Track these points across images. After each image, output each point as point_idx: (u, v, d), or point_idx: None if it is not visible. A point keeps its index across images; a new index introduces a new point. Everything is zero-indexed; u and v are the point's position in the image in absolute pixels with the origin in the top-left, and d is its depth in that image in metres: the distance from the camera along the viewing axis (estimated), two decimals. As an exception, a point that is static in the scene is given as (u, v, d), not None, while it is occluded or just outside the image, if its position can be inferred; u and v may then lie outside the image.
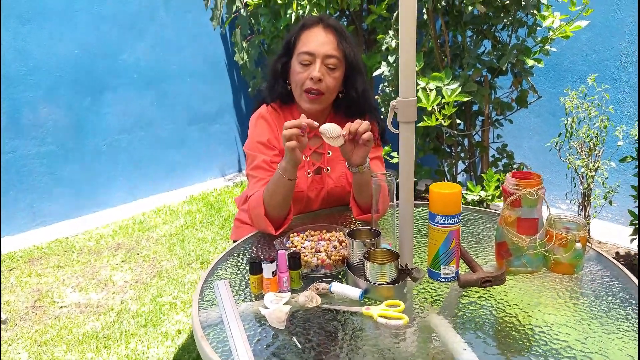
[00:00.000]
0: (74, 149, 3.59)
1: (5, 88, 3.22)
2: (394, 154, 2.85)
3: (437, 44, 2.54)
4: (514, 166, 2.78)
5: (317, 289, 1.11)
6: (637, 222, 2.11)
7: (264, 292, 1.13)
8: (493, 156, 2.83)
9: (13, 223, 3.38)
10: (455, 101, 2.26)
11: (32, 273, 2.91)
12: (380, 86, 2.73)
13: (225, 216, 3.61)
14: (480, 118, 2.79)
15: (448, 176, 2.96)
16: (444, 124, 2.30)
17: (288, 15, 2.94)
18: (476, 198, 2.52)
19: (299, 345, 0.94)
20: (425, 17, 2.55)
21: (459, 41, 2.67)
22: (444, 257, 1.11)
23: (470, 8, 2.27)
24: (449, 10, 2.56)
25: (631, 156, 2.11)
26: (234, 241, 1.73)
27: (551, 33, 2.33)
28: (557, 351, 0.89)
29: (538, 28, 2.42)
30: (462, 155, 2.86)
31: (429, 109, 2.24)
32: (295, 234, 1.34)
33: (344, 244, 1.26)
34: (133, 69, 3.80)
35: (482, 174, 2.72)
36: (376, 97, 2.73)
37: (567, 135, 2.46)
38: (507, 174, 1.13)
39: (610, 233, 2.96)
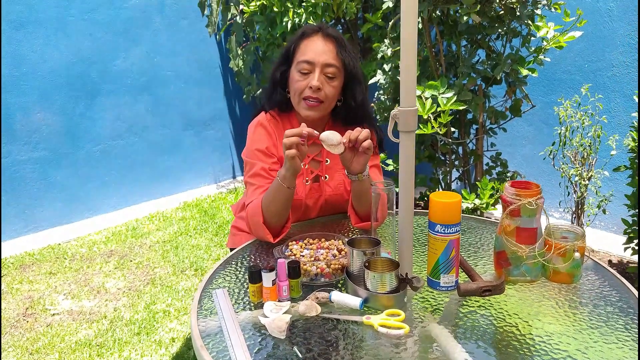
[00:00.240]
0: (66, 155, 3.57)
1: (-2, 93, 3.20)
2: (389, 161, 2.86)
3: (432, 53, 2.56)
4: (508, 174, 2.80)
5: (317, 297, 1.11)
6: (630, 230, 2.13)
7: (264, 300, 1.12)
8: (487, 164, 2.85)
9: (4, 229, 3.34)
10: (450, 109, 2.28)
11: (23, 280, 2.88)
12: (376, 94, 2.74)
13: (220, 223, 3.59)
14: (474, 126, 2.81)
15: (442, 184, 2.97)
16: (440, 132, 2.31)
17: (284, 23, 2.95)
18: (471, 206, 2.53)
19: (300, 355, 0.94)
20: (420, 26, 2.57)
21: (453, 50, 2.69)
22: (443, 266, 1.11)
23: (465, 18, 2.29)
24: (444, 20, 2.59)
25: (625, 165, 2.13)
26: (231, 249, 1.73)
27: (545, 43, 2.36)
28: (558, 361, 0.89)
29: (532, 38, 2.44)
30: (457, 163, 2.88)
31: (425, 117, 2.25)
32: (294, 242, 1.33)
33: (343, 252, 1.26)
34: (127, 74, 3.78)
35: (476, 182, 2.74)
36: (372, 104, 2.74)
37: (561, 144, 2.48)
38: (506, 184, 1.14)
39: (602, 241, 2.99)
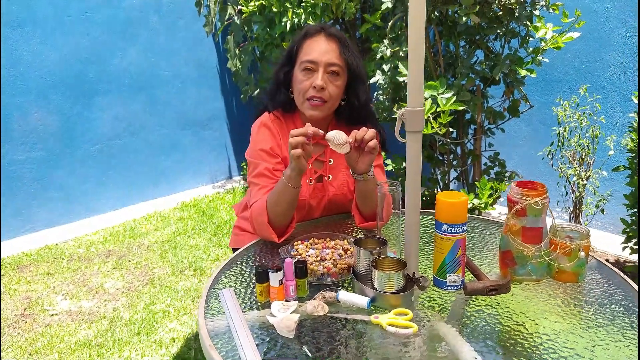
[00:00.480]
0: (64, 155, 3.55)
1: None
2: (387, 161, 2.86)
3: (430, 54, 2.57)
4: (506, 174, 2.82)
5: (324, 297, 1.11)
6: (629, 230, 2.14)
7: (271, 300, 1.13)
8: (485, 164, 2.86)
9: (1, 229, 3.32)
10: (449, 110, 2.29)
11: (21, 280, 2.87)
12: (375, 94, 2.75)
13: (218, 223, 3.59)
14: (472, 127, 2.82)
15: (441, 184, 2.99)
16: (440, 133, 2.32)
17: (283, 23, 2.95)
18: (469, 206, 2.54)
19: (310, 355, 0.94)
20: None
21: (452, 51, 2.71)
22: (450, 265, 1.12)
23: (464, 19, 2.31)
24: (443, 21, 2.60)
25: (624, 166, 2.15)
26: (233, 249, 1.73)
27: (543, 44, 2.37)
28: (566, 359, 0.90)
29: (530, 39, 2.46)
30: (455, 163, 2.89)
31: (425, 117, 2.26)
32: (299, 242, 1.34)
33: (348, 252, 1.27)
34: (124, 74, 3.77)
35: (474, 182, 2.75)
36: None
37: (560, 144, 2.50)
38: (512, 184, 1.15)
39: (599, 241, 3.01)
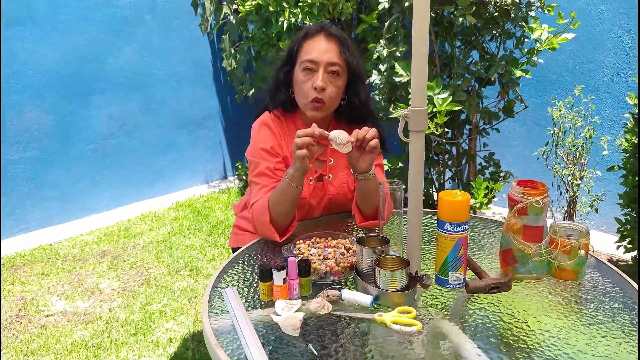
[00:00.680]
0: (58, 154, 3.53)
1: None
2: (384, 161, 2.87)
3: (427, 54, 2.58)
4: (501, 174, 2.84)
5: (328, 296, 1.12)
6: (623, 229, 2.17)
7: (274, 299, 1.13)
8: (480, 164, 2.88)
9: (1, 229, 3.30)
10: (446, 110, 2.30)
11: (15, 281, 2.85)
12: (371, 94, 2.75)
13: (213, 223, 3.58)
14: (467, 127, 2.84)
15: (436, 184, 3.00)
16: (437, 133, 2.33)
17: (280, 23, 2.95)
18: (465, 205, 2.56)
19: (315, 352, 0.95)
20: (415, 27, 2.58)
21: (447, 51, 2.72)
22: (452, 264, 1.13)
23: (460, 19, 2.32)
24: (439, 21, 2.61)
25: (618, 165, 2.18)
26: (233, 249, 1.73)
27: (538, 45, 2.39)
28: (569, 355, 0.91)
29: (526, 40, 2.48)
30: (450, 163, 2.91)
31: (422, 117, 2.27)
32: (301, 241, 1.34)
33: (350, 251, 1.27)
34: (119, 73, 3.75)
35: (469, 182, 2.77)
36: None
37: (554, 144, 2.52)
38: (513, 183, 1.16)
39: (593, 240, 3.03)
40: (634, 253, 2.25)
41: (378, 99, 2.73)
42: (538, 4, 2.43)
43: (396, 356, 0.94)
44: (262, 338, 0.99)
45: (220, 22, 3.67)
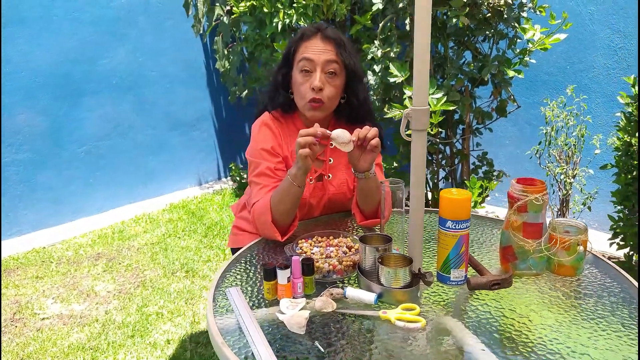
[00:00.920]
0: (50, 156, 3.51)
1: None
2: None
3: (422, 54, 2.60)
4: (494, 173, 2.87)
5: (332, 294, 1.13)
6: (616, 226, 2.20)
7: (279, 298, 1.14)
8: (473, 164, 2.91)
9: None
10: (440, 110, 2.32)
11: (9, 284, 2.82)
12: (366, 95, 2.77)
13: (208, 224, 3.58)
14: (461, 127, 2.87)
15: (430, 183, 3.03)
16: (431, 132, 2.35)
17: (274, 24, 2.96)
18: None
19: (323, 350, 0.96)
20: (408, 27, 2.61)
21: (441, 52, 2.75)
22: (454, 261, 1.14)
23: (454, 20, 2.34)
24: (432, 22, 2.64)
25: (611, 164, 2.21)
26: (232, 249, 1.74)
27: (530, 45, 2.42)
28: (571, 349, 0.93)
29: (518, 40, 2.51)
30: (444, 162, 2.94)
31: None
32: (303, 240, 1.35)
33: (353, 249, 1.28)
34: (112, 74, 3.74)
35: (463, 181, 2.80)
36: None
37: (547, 143, 2.55)
38: (512, 180, 1.18)
39: (585, 237, 3.07)
40: (627, 250, 2.28)
41: (373, 99, 2.75)
42: (530, 5, 2.46)
43: (402, 352, 0.95)
44: (269, 336, 1.00)
45: (214, 23, 3.67)
